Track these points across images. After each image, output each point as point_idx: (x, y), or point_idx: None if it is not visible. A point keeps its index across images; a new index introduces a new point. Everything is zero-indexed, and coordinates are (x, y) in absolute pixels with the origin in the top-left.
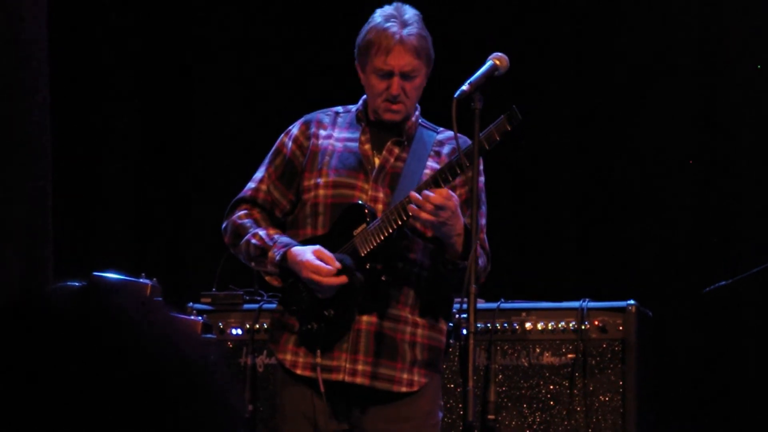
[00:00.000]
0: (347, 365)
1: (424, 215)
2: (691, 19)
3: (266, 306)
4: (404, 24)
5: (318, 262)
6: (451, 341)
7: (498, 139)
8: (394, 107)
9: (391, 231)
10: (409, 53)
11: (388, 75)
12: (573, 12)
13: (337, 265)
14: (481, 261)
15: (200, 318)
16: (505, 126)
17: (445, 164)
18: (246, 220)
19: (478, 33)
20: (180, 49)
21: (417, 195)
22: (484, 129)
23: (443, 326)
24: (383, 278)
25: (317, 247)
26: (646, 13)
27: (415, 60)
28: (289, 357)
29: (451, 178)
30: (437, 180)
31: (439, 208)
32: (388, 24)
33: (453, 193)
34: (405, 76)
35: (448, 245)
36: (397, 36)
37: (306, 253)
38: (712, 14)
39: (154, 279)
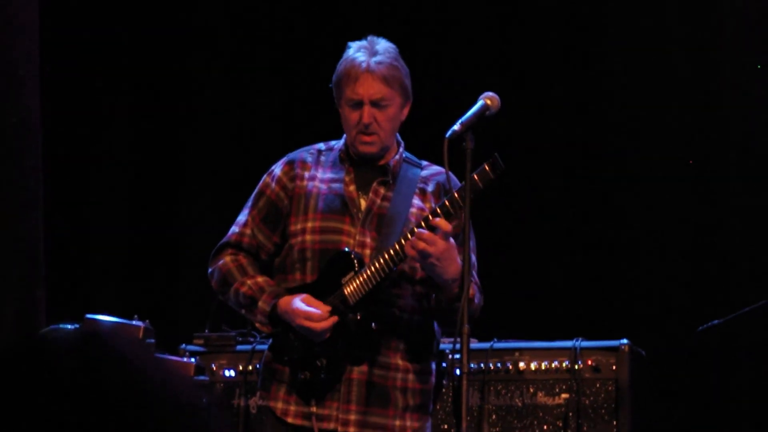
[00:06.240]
0: (339, 415)
1: (413, 253)
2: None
3: (259, 347)
4: (374, 53)
5: (308, 308)
6: (444, 382)
7: (482, 187)
8: (367, 138)
9: (379, 279)
10: (378, 81)
11: (359, 104)
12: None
13: (327, 307)
14: (477, 299)
15: (193, 359)
16: (488, 175)
17: (434, 207)
18: (233, 267)
19: (469, 69)
20: (170, 91)
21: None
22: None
23: (431, 367)
24: (373, 326)
25: (305, 294)
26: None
27: (385, 88)
28: (280, 405)
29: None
30: (427, 220)
31: (430, 244)
32: (357, 54)
33: (444, 235)
34: (375, 104)
35: (443, 288)
36: (365, 64)
37: (295, 301)
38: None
39: (147, 321)
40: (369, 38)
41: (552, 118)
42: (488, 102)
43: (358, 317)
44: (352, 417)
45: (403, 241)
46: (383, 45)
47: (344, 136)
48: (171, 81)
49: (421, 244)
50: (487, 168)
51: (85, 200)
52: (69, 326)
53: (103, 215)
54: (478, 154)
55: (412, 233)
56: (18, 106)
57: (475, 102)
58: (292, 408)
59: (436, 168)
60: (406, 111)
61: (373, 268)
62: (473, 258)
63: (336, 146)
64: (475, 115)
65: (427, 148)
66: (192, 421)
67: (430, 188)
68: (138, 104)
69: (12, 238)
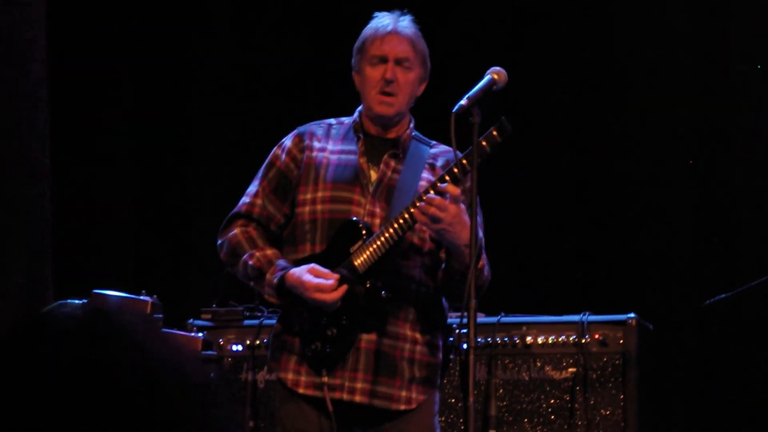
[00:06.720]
0: (346, 383)
1: (424, 218)
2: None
3: (267, 322)
4: (399, 20)
5: (318, 280)
6: (451, 356)
7: (488, 150)
8: (388, 99)
9: (388, 247)
10: (405, 41)
11: (383, 60)
12: (570, 21)
13: (336, 276)
14: (486, 270)
15: (200, 334)
16: (495, 138)
17: (445, 170)
18: (242, 239)
19: (476, 46)
20: (175, 65)
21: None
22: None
23: (440, 342)
24: (383, 295)
25: (311, 265)
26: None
27: (410, 50)
28: (290, 376)
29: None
30: (435, 186)
31: (440, 209)
32: (384, 19)
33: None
34: (399, 63)
35: (456, 254)
36: (391, 26)
37: (303, 274)
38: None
39: (155, 296)
40: (395, 12)
41: (560, 92)
42: (495, 77)
43: (368, 286)
44: (359, 385)
45: (411, 209)
46: (407, 18)
47: (357, 110)
48: (178, 56)
49: (432, 209)
50: (494, 132)
51: (92, 174)
52: (76, 302)
53: (111, 190)
54: (485, 128)
55: (421, 200)
56: (24, 75)
57: (482, 77)
58: (303, 379)
59: (445, 147)
60: (422, 88)
61: (382, 237)
62: (480, 233)
63: (347, 121)
64: (482, 89)
65: (434, 129)
66: (199, 395)
67: (439, 163)
68: (147, 74)
69: (19, 212)
